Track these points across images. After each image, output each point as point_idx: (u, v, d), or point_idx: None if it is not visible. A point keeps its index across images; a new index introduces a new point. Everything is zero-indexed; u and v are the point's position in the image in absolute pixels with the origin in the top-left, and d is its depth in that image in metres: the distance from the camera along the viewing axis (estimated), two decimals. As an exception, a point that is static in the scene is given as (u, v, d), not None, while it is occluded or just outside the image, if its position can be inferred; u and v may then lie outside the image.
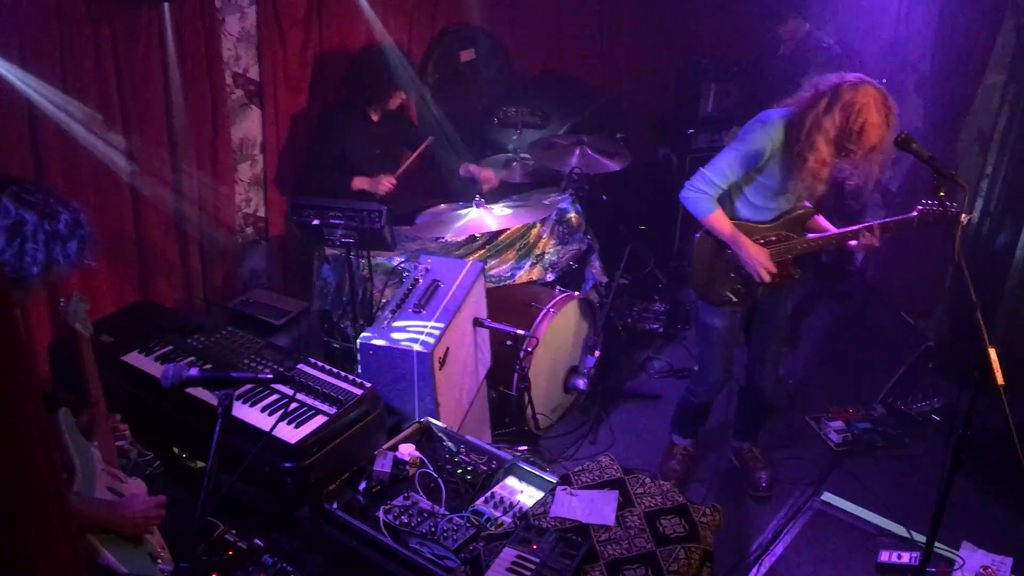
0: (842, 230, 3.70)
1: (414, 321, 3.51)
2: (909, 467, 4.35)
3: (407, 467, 3.09)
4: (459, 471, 3.11)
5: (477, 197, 4.43)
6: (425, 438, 3.33)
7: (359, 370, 3.48)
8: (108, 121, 3.92)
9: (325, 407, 3.08)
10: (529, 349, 4.10)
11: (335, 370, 3.27)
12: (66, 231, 2.23)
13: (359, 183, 4.69)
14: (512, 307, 4.25)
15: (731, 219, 3.66)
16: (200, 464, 3.37)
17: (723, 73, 5.96)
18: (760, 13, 5.39)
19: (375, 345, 3.41)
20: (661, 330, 5.37)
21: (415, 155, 4.78)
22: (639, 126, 6.25)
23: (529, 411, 4.26)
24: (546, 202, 4.72)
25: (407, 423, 3.40)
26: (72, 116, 3.78)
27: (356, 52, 4.87)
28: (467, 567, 2.64)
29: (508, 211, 4.44)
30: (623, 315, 5.34)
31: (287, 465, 2.91)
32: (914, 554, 3.65)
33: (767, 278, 3.64)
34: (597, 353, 4.62)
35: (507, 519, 2.89)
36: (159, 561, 2.44)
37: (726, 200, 3.67)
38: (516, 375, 4.12)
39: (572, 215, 4.74)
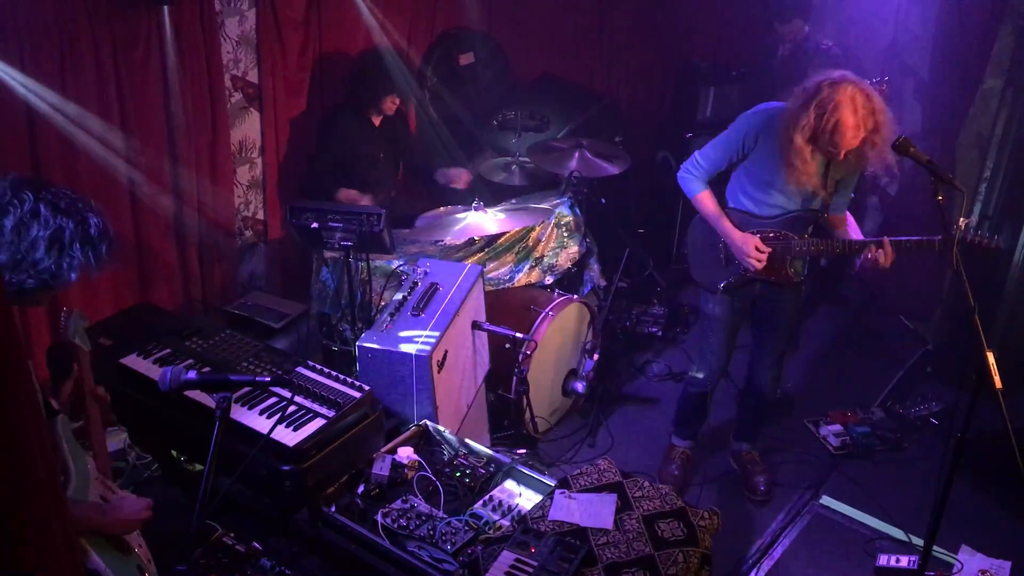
0: (847, 240, 3.65)
1: (413, 324, 3.51)
2: (907, 470, 4.36)
3: (405, 470, 3.09)
4: (457, 474, 3.11)
5: (476, 200, 4.43)
6: (424, 441, 3.32)
7: (357, 373, 3.48)
8: (107, 124, 3.92)
9: (323, 410, 3.08)
10: (528, 352, 4.10)
11: (333, 373, 3.27)
12: (96, 235, 2.24)
13: (345, 196, 4.68)
14: (511, 310, 4.25)
15: (733, 208, 3.73)
16: (198, 467, 3.36)
17: (721, 77, 5.97)
18: (768, 12, 5.39)
19: (374, 348, 3.41)
20: (660, 333, 5.37)
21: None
22: (638, 130, 6.26)
23: (528, 414, 4.25)
24: (545, 205, 4.72)
25: (405, 426, 3.40)
26: (71, 119, 3.78)
27: (355, 55, 4.87)
28: (465, 570, 2.64)
29: (507, 214, 4.44)
30: (622, 318, 5.34)
31: (285, 468, 2.91)
32: (912, 558, 3.65)
33: (756, 266, 3.66)
34: (596, 356, 4.62)
35: (505, 522, 2.89)
36: (146, 574, 2.43)
37: (735, 188, 3.72)
38: (515, 378, 4.12)
39: (571, 218, 4.74)
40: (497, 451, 3.28)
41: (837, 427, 4.57)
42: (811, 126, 3.33)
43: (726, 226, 3.68)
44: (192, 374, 2.37)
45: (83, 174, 3.92)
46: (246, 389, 3.10)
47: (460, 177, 4.97)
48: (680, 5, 6.42)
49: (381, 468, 3.05)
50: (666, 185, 5.89)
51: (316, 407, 3.09)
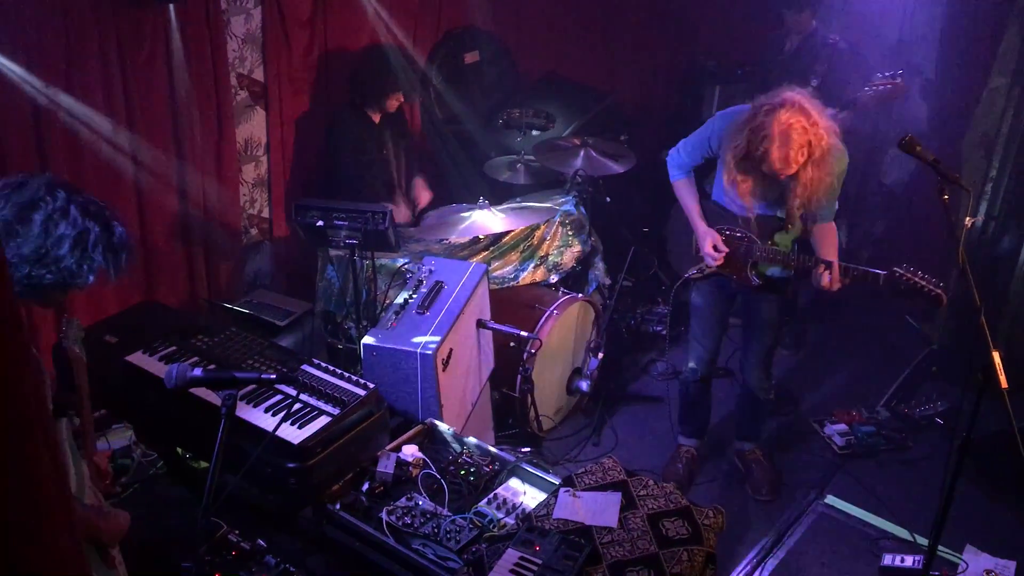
0: (802, 255, 3.62)
1: (418, 322, 3.51)
2: (912, 470, 4.35)
3: (410, 468, 3.09)
4: (462, 472, 3.11)
5: (481, 199, 4.43)
6: (428, 439, 3.33)
7: (362, 371, 3.49)
8: (113, 121, 3.93)
9: (328, 408, 3.08)
10: (532, 351, 4.10)
11: (338, 371, 3.28)
12: (119, 243, 2.29)
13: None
14: (516, 309, 4.25)
15: (714, 200, 3.78)
16: (204, 464, 3.37)
17: (728, 75, 5.96)
18: (779, 2, 5.37)
19: (379, 346, 3.41)
20: (664, 332, 5.36)
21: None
22: (643, 128, 6.25)
23: (532, 413, 4.26)
24: (550, 204, 4.72)
25: (410, 424, 3.40)
26: (77, 117, 3.79)
27: (363, 52, 4.87)
28: (470, 568, 2.64)
29: (512, 213, 4.44)
30: (626, 317, 5.34)
31: (290, 465, 2.92)
32: (917, 557, 3.64)
33: (710, 261, 3.73)
34: (600, 355, 4.62)
35: (510, 520, 2.89)
36: None
37: (718, 180, 3.71)
38: (519, 376, 4.12)
39: (576, 217, 4.74)
40: (502, 449, 3.28)
41: (842, 427, 4.56)
42: (743, 148, 3.36)
43: (694, 217, 3.78)
44: (198, 371, 2.37)
45: (89, 171, 3.93)
46: (251, 387, 3.10)
47: (420, 196, 4.99)
48: (686, 3, 6.41)
49: (386, 466, 3.05)
50: (671, 184, 5.89)
51: (321, 405, 3.10)
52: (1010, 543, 3.79)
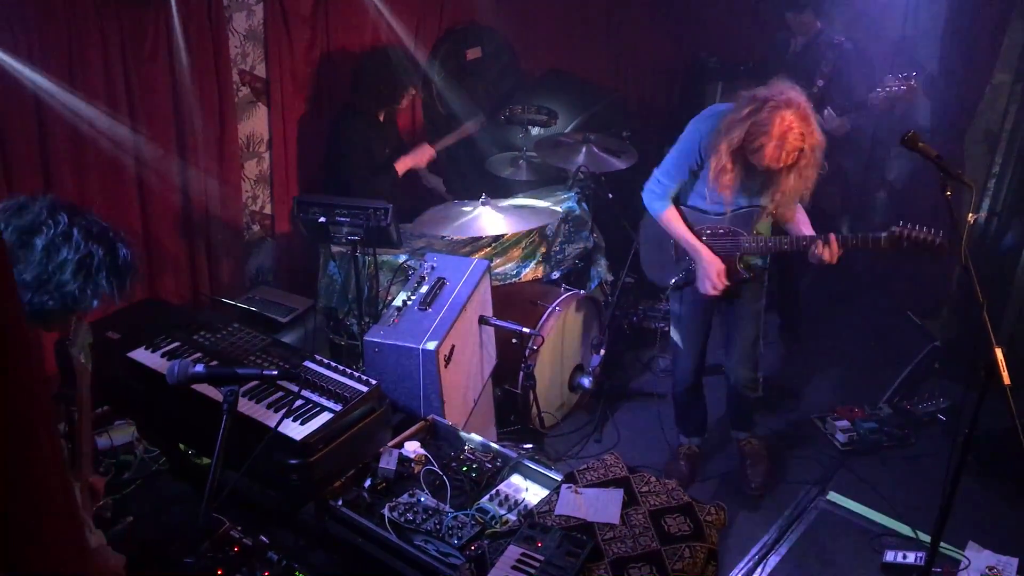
0: (795, 236, 3.66)
1: (420, 319, 3.51)
2: (915, 467, 4.35)
3: (412, 464, 3.09)
4: (464, 469, 3.11)
5: (483, 196, 4.43)
6: (430, 435, 3.33)
7: (364, 367, 3.49)
8: (115, 118, 3.93)
9: (330, 404, 3.08)
10: (534, 347, 4.10)
11: (340, 367, 3.28)
12: (123, 266, 2.22)
13: (403, 165, 4.79)
14: (518, 305, 4.25)
15: (690, 206, 3.75)
16: (206, 461, 3.37)
17: (731, 72, 5.95)
18: (782, 3, 5.37)
19: (381, 342, 3.41)
20: (666, 329, 5.35)
21: (459, 134, 4.98)
22: (646, 125, 6.25)
23: (534, 409, 4.26)
24: (551, 202, 4.71)
25: (412, 420, 3.40)
26: (79, 113, 3.79)
27: (363, 54, 4.86)
28: (472, 564, 2.64)
29: (514, 214, 4.40)
30: (628, 314, 5.34)
31: (292, 462, 2.92)
32: (919, 554, 3.65)
33: (711, 292, 3.70)
34: (602, 351, 4.62)
35: (512, 517, 2.89)
36: None
37: (688, 187, 3.73)
38: (521, 373, 4.12)
39: (578, 213, 4.73)
40: (504, 446, 3.28)
41: (844, 423, 4.56)
42: (739, 139, 3.37)
43: (693, 243, 3.71)
44: (199, 368, 2.37)
45: (91, 168, 3.93)
46: (253, 383, 3.10)
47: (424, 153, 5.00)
48: (689, 0, 6.40)
49: (388, 462, 3.05)
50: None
51: (323, 401, 3.10)
52: (1012, 540, 3.79)
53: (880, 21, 5.74)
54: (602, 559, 2.66)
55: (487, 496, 2.99)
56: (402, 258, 4.26)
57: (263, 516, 3.12)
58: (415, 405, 3.45)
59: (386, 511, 2.88)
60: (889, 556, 3.72)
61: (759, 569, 3.75)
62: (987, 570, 3.61)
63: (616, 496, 2.92)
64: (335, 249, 4.35)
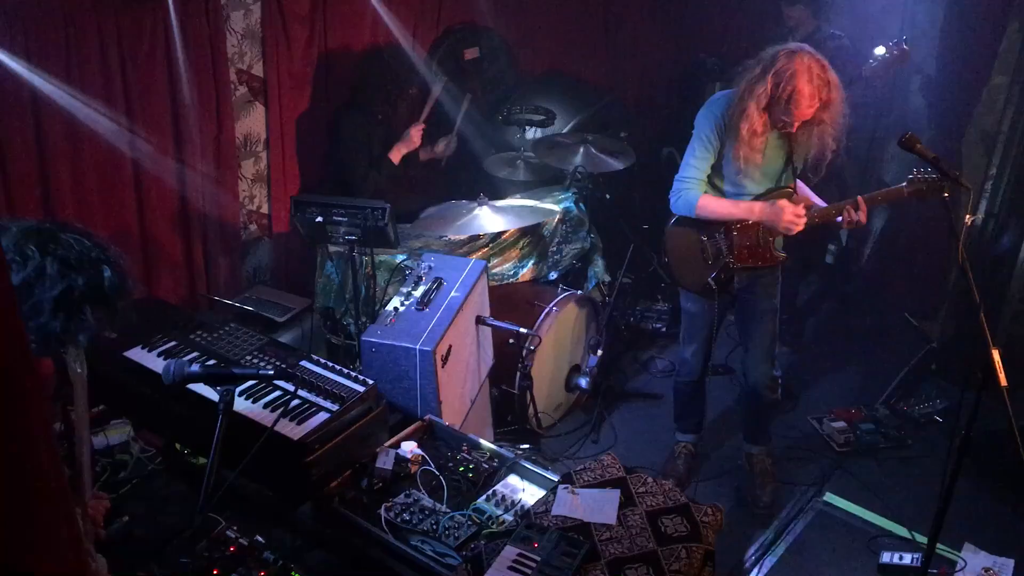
0: (823, 207, 3.68)
1: (417, 319, 3.51)
2: (911, 468, 4.35)
3: (409, 464, 3.08)
4: (461, 469, 3.11)
5: (480, 195, 4.43)
6: (427, 436, 3.32)
7: (361, 367, 3.48)
8: (113, 117, 3.93)
9: (327, 404, 3.07)
10: (532, 347, 4.10)
11: (337, 367, 3.27)
12: (111, 291, 2.04)
13: (396, 153, 4.78)
14: (515, 305, 4.25)
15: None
16: (202, 460, 3.37)
17: (728, 72, 5.94)
18: None
19: (378, 342, 3.41)
20: (664, 329, 5.37)
21: (431, 99, 4.96)
22: (643, 125, 6.25)
23: (531, 409, 4.25)
24: (549, 201, 4.71)
25: (409, 421, 3.40)
26: (77, 112, 3.79)
27: (361, 54, 4.86)
28: (468, 565, 2.64)
29: (512, 213, 4.41)
30: (626, 314, 5.34)
31: (289, 461, 2.91)
32: (916, 555, 3.65)
33: (798, 228, 3.60)
34: (600, 352, 4.62)
35: (509, 517, 2.89)
36: None
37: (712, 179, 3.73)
38: (518, 373, 4.12)
39: (575, 214, 4.73)
40: (500, 446, 3.28)
41: (841, 424, 4.57)
42: (768, 94, 3.38)
43: (746, 207, 3.66)
44: (196, 367, 2.37)
45: (88, 166, 3.93)
46: (250, 383, 3.10)
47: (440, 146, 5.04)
48: (687, 0, 6.40)
49: (385, 462, 3.04)
50: (671, 181, 5.88)
51: (320, 401, 3.09)
52: (1009, 541, 3.79)
53: (878, 22, 5.74)
54: (599, 560, 2.66)
55: (484, 496, 2.98)
56: (399, 258, 4.26)
57: (259, 516, 3.11)
58: (412, 405, 3.45)
59: (383, 511, 2.87)
60: (886, 557, 3.71)
61: (756, 570, 3.76)
62: (983, 571, 3.61)
63: (613, 497, 2.91)
64: (332, 249, 4.34)
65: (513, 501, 2.98)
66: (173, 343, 3.37)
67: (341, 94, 4.85)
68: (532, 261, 4.60)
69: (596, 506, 2.87)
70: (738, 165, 3.55)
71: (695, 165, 3.67)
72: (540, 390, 4.26)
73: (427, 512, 2.88)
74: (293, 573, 2.62)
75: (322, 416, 3.01)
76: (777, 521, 4.02)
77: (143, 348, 3.36)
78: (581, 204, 4.80)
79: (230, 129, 4.48)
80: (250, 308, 4.43)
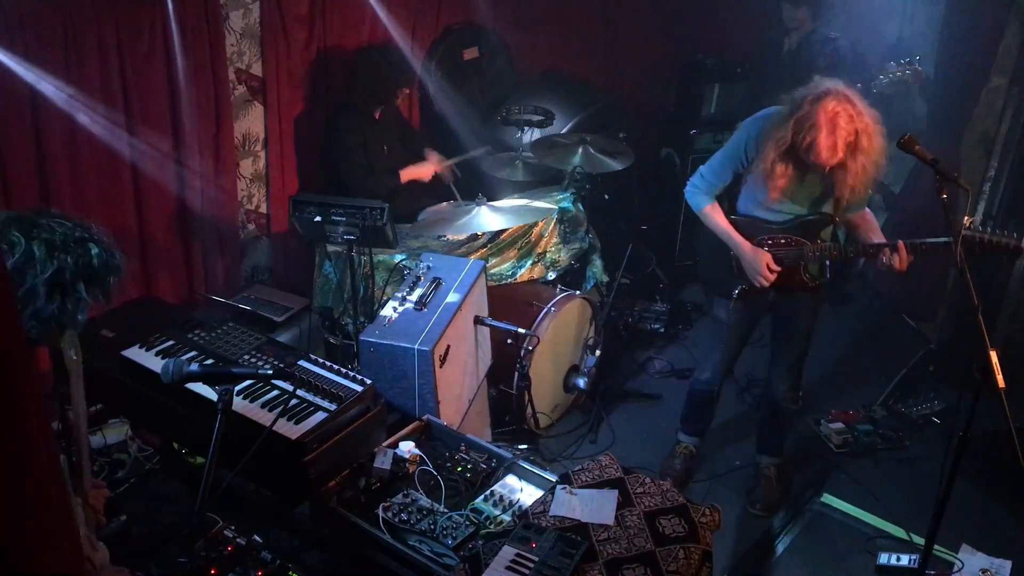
0: (861, 244, 3.59)
1: (415, 319, 3.51)
2: (909, 469, 4.35)
3: (407, 464, 3.09)
4: (459, 469, 3.11)
5: (479, 195, 4.43)
6: (425, 436, 3.32)
7: (360, 367, 3.48)
8: (111, 116, 3.92)
9: (325, 403, 3.07)
10: (530, 348, 4.10)
11: (336, 367, 3.27)
12: (100, 268, 2.04)
13: (407, 175, 4.82)
14: (513, 305, 4.25)
15: (743, 214, 3.69)
16: (200, 460, 3.37)
17: (726, 74, 5.95)
18: None
19: (376, 342, 3.41)
20: (662, 330, 5.37)
21: (471, 155, 5.06)
22: (642, 126, 6.25)
23: (529, 410, 4.25)
24: (548, 202, 4.71)
25: (407, 420, 3.40)
26: (76, 111, 3.78)
27: (358, 54, 4.85)
28: (466, 565, 2.64)
29: (510, 211, 4.42)
30: (624, 315, 5.34)
31: (287, 461, 2.91)
32: (913, 556, 3.65)
33: (763, 283, 3.63)
34: (598, 352, 4.62)
35: (506, 517, 2.89)
36: None
37: (747, 197, 3.69)
38: (517, 374, 4.12)
39: (574, 214, 4.73)
40: (498, 446, 3.28)
41: (839, 425, 4.57)
42: (787, 141, 3.32)
43: (735, 238, 3.66)
44: (194, 366, 2.36)
45: (87, 166, 3.93)
46: (248, 382, 3.09)
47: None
48: (686, 1, 6.40)
49: (383, 462, 3.04)
50: (669, 182, 5.90)
51: (318, 401, 3.09)
52: (1006, 542, 3.79)
53: (877, 23, 5.75)
54: (596, 560, 2.66)
55: (482, 496, 2.99)
56: (398, 258, 4.26)
57: (257, 515, 3.11)
58: (410, 405, 3.45)
59: (380, 511, 2.87)
60: (883, 558, 3.72)
61: (754, 570, 3.75)
62: (981, 573, 3.61)
63: (611, 497, 2.92)
64: (331, 248, 4.34)
65: (511, 501, 2.98)
66: (171, 342, 3.37)
67: (339, 93, 4.85)
68: (530, 261, 4.60)
69: (594, 506, 2.87)
70: (763, 191, 3.54)
71: (716, 172, 3.66)
72: (538, 390, 4.26)
73: (425, 512, 2.88)
74: (291, 572, 2.62)
75: (320, 416, 3.01)
76: (775, 522, 4.02)
77: (141, 347, 3.35)
78: (579, 204, 4.80)
79: (229, 128, 4.48)
80: (248, 307, 4.43)
